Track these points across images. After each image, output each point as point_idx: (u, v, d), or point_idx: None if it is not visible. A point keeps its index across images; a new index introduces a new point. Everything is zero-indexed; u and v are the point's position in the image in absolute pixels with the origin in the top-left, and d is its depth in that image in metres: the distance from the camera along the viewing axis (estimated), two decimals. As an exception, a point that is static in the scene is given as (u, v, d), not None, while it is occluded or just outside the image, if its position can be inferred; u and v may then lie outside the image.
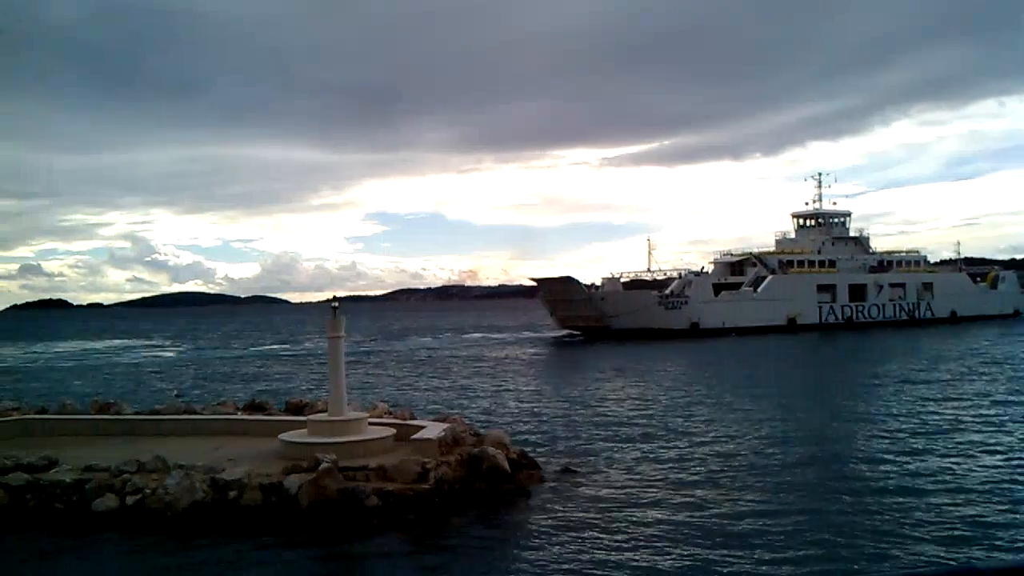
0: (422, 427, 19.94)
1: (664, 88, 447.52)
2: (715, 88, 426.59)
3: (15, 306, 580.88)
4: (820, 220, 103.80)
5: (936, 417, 28.42)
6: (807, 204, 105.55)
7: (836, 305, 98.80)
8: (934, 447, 23.28)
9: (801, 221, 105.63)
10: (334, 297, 20.50)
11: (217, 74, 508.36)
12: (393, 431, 19.78)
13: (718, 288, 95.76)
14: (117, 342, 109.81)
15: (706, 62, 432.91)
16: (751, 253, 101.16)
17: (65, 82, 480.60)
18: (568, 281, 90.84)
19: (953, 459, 21.59)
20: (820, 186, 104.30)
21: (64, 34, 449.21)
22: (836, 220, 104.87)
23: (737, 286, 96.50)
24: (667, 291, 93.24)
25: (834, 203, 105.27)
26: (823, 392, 36.93)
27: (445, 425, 20.12)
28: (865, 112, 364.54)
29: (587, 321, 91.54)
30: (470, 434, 20.18)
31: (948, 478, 19.51)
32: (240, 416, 23.53)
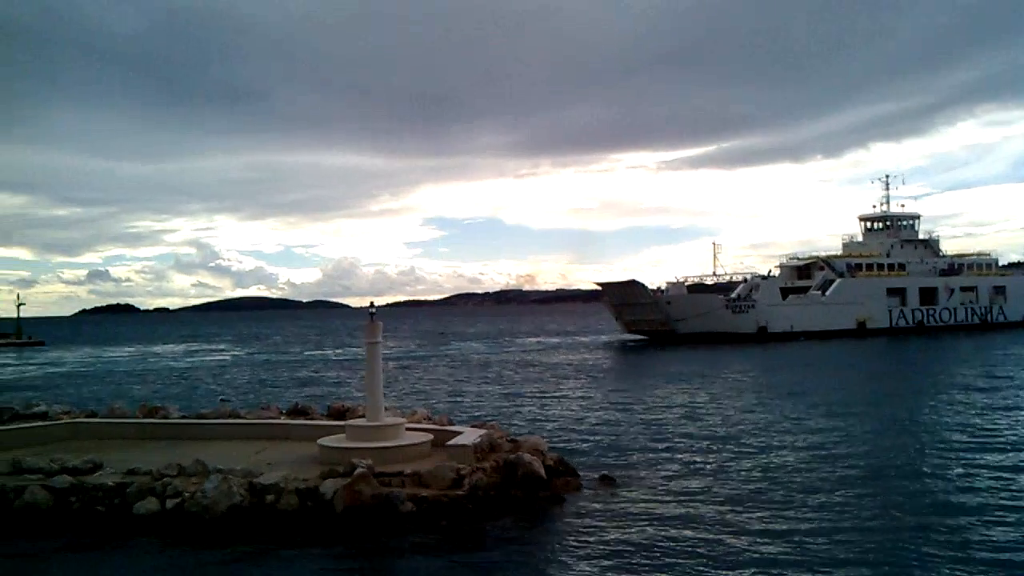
0: (459, 433, 20.13)
1: (723, 90, 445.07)
2: (775, 89, 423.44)
3: (84, 311, 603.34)
4: (888, 223, 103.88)
5: (1010, 432, 27.37)
6: (875, 207, 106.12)
7: (906, 309, 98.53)
8: (1008, 462, 22.24)
9: (869, 224, 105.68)
10: (371, 303, 20.81)
11: (279, 83, 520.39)
12: (430, 437, 20.02)
13: (785, 292, 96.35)
14: (179, 347, 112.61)
15: (766, 63, 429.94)
16: (818, 256, 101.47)
17: (133, 93, 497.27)
18: (633, 285, 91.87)
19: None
20: (888, 188, 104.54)
21: (132, 46, 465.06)
22: (905, 223, 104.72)
23: (804, 290, 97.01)
24: (732, 295, 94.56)
25: (902, 205, 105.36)
26: (890, 400, 35.86)
27: (482, 431, 20.27)
28: (929, 112, 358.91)
29: (652, 325, 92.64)
30: (506, 440, 20.29)
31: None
32: (282, 420, 24.03)
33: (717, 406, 34.66)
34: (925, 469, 21.65)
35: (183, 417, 25.13)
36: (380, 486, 17.36)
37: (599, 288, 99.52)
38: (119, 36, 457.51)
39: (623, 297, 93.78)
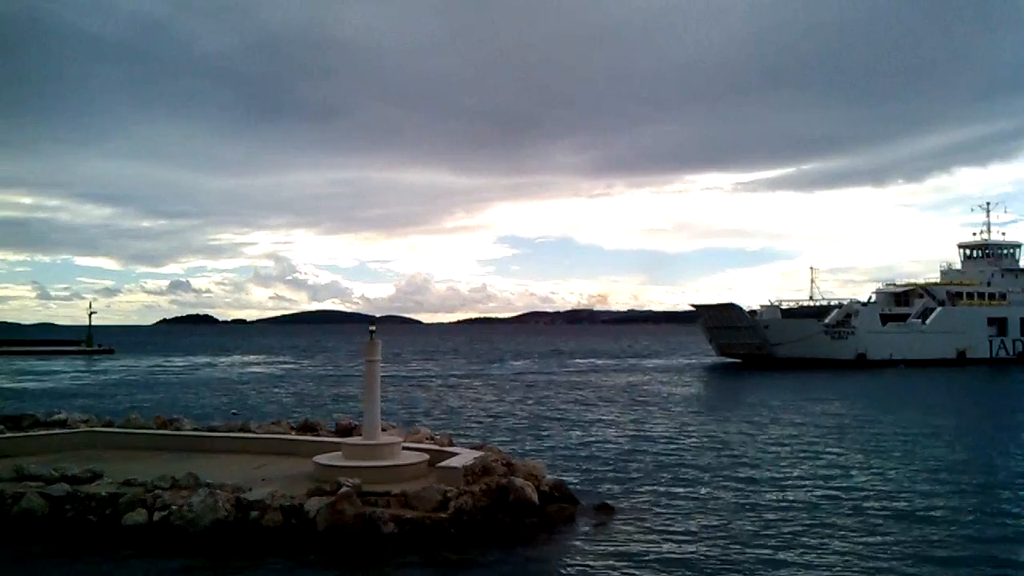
0: (455, 454, 20.57)
1: (802, 111, 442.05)
2: (856, 111, 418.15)
3: (165, 320, 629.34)
4: (989, 251, 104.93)
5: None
6: (975, 234, 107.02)
7: (1007, 339, 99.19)
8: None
9: (968, 251, 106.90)
10: (372, 322, 21.48)
11: (360, 100, 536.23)
12: (426, 457, 20.47)
13: (884, 319, 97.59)
14: (243, 358, 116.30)
15: (846, 84, 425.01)
16: (916, 284, 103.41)
17: (217, 108, 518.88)
18: (730, 308, 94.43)
19: None
20: (988, 216, 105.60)
21: (217, 63, 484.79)
22: (1006, 251, 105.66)
23: (903, 317, 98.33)
24: (827, 320, 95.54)
25: (1003, 233, 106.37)
26: (975, 434, 35.15)
27: (478, 453, 20.64)
28: (1016, 136, 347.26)
29: (748, 349, 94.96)
30: (501, 464, 20.59)
31: None
32: (290, 436, 24.86)
33: (776, 439, 34.20)
34: (966, 514, 20.95)
35: (195, 429, 26.21)
36: (363, 506, 17.86)
37: (693, 310, 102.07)
38: (208, 53, 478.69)
39: (719, 320, 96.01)
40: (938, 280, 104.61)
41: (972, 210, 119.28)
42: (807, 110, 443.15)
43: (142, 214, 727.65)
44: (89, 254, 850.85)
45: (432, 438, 23.95)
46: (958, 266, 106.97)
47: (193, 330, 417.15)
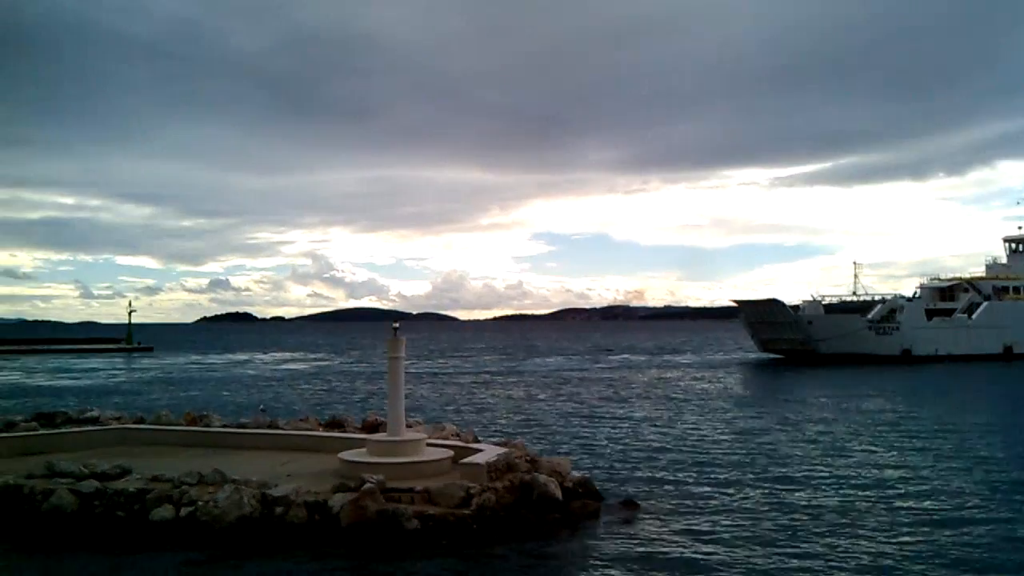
0: (480, 451, 20.66)
1: (839, 105, 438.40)
2: (895, 104, 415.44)
3: (205, 318, 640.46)
4: None
5: None
6: (1020, 228, 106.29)
7: None
8: None
9: (1013, 245, 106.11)
10: (395, 319, 21.65)
11: (395, 99, 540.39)
12: (451, 453, 20.60)
13: (929, 314, 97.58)
14: (279, 355, 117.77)
15: (885, 77, 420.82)
16: (962, 278, 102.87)
17: (253, 107, 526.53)
18: (773, 303, 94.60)
19: None
20: None
21: (252, 62, 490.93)
22: None
23: (948, 312, 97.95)
24: (870, 315, 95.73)
25: None
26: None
27: (502, 450, 20.72)
28: None
29: (792, 344, 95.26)
30: (525, 460, 20.64)
31: None
32: (317, 433, 25.13)
33: (811, 436, 33.90)
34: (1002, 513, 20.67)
35: (224, 426, 26.57)
36: (386, 502, 18.02)
37: (735, 305, 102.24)
38: (241, 52, 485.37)
39: (762, 315, 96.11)
40: (983, 274, 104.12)
41: (1019, 203, 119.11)
42: (845, 104, 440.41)
43: (182, 213, 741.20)
44: (130, 253, 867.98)
45: (457, 435, 24.07)
46: (1003, 260, 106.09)
47: (232, 328, 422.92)
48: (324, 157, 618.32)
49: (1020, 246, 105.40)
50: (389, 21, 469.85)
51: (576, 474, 21.46)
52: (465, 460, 19.54)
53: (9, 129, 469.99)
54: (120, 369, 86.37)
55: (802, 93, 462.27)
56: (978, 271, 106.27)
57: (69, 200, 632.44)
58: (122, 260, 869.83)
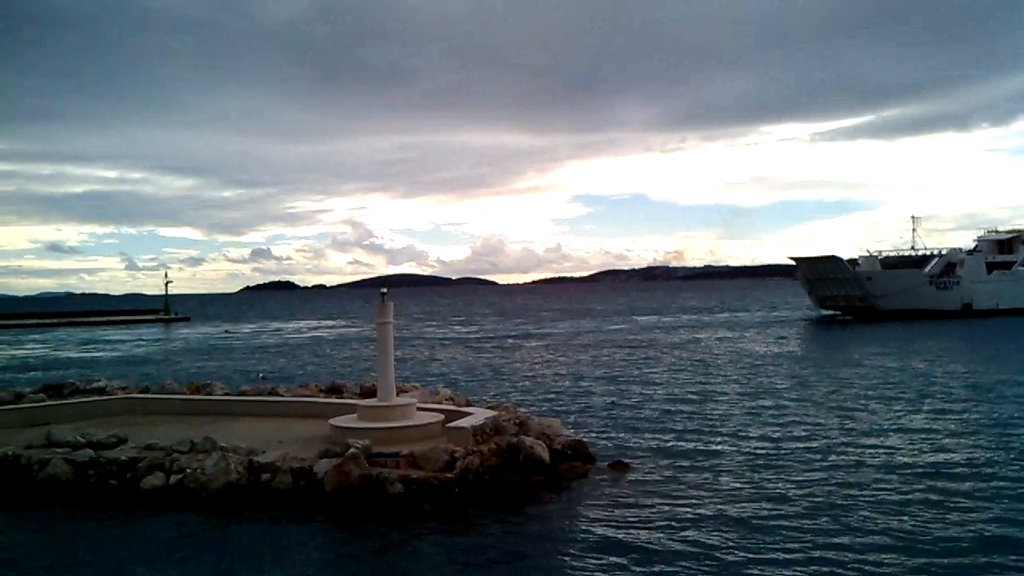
0: (469, 414, 21.11)
1: (881, 56, 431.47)
2: (937, 54, 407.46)
3: (248, 288, 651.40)
4: None
5: None
6: None
7: None
8: None
9: None
10: (383, 284, 22.07)
11: (429, 63, 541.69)
12: (441, 417, 21.06)
13: (988, 267, 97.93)
14: (312, 322, 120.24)
15: (926, 26, 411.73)
16: (1020, 230, 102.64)
17: (289, 76, 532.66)
18: (832, 260, 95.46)
19: None
20: None
21: (287, 30, 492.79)
22: None
23: (1007, 265, 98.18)
24: (927, 270, 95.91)
25: None
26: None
27: (491, 413, 21.14)
28: None
29: (850, 301, 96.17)
30: (513, 423, 21.03)
31: None
32: (314, 399, 25.77)
33: (834, 400, 33.92)
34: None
35: (226, 394, 27.37)
36: (371, 467, 18.56)
37: (793, 263, 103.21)
38: (279, 21, 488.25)
39: (819, 272, 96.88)
40: None
41: None
42: (886, 55, 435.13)
43: (222, 184, 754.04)
44: (173, 225, 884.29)
45: (451, 399, 24.54)
46: None
47: (274, 296, 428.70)
48: (361, 124, 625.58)
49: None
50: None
51: (568, 437, 21.78)
52: (451, 424, 19.99)
53: (49, 104, 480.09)
54: (149, 339, 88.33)
55: (841, 45, 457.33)
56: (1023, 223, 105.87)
57: (112, 174, 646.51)
58: (165, 232, 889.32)
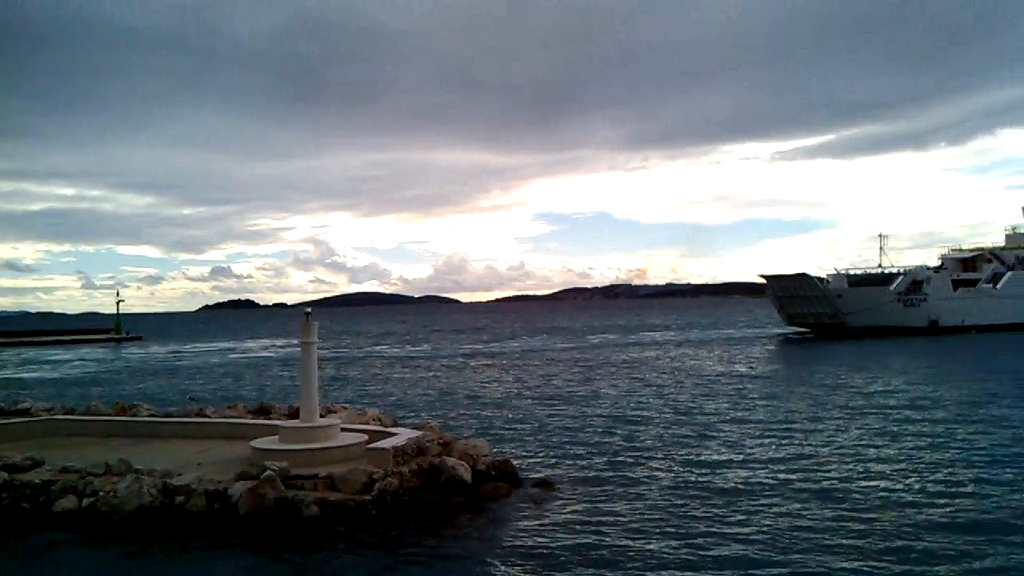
0: (394, 435, 21.21)
1: (840, 77, 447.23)
2: (896, 75, 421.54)
3: (207, 306, 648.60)
4: None
5: None
6: None
7: None
8: None
9: None
10: (307, 304, 22.19)
11: (395, 82, 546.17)
12: (364, 438, 21.10)
13: (954, 285, 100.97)
14: (264, 342, 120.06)
15: (885, 48, 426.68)
16: (984, 248, 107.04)
17: (254, 93, 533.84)
18: (802, 278, 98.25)
19: None
20: None
21: (251, 47, 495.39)
22: None
23: (972, 283, 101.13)
24: (893, 287, 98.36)
25: None
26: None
27: (416, 433, 21.25)
28: None
29: (820, 319, 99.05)
30: (437, 443, 21.16)
31: None
32: (240, 420, 25.74)
33: (778, 417, 34.34)
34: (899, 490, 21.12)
35: (151, 415, 27.25)
36: (288, 489, 18.60)
37: (762, 280, 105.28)
38: (242, 38, 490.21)
39: (790, 290, 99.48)
40: (1003, 244, 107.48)
41: None
42: (845, 76, 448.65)
43: (182, 202, 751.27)
44: (132, 243, 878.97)
45: (379, 419, 24.63)
46: (1022, 230, 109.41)
47: (234, 315, 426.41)
48: (325, 142, 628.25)
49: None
50: (389, 4, 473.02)
51: (493, 457, 21.91)
52: (372, 445, 20.09)
53: (10, 121, 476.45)
54: (92, 360, 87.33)
55: (802, 66, 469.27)
56: (981, 241, 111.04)
57: (70, 191, 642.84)
58: (123, 250, 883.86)
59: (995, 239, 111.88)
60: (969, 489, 20.49)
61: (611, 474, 22.89)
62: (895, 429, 29.60)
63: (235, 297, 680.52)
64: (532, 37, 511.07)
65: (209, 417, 26.44)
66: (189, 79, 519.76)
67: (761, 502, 19.65)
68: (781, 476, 22.37)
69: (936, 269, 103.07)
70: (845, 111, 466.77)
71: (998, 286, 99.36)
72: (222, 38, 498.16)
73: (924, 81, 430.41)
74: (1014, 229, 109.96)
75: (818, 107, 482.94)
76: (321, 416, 22.63)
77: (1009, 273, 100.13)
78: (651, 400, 40.05)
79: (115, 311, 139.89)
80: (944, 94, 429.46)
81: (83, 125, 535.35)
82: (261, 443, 21.25)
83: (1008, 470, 22.50)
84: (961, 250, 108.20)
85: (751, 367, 58.48)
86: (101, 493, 19.12)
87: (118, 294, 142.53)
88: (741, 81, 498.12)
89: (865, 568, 14.92)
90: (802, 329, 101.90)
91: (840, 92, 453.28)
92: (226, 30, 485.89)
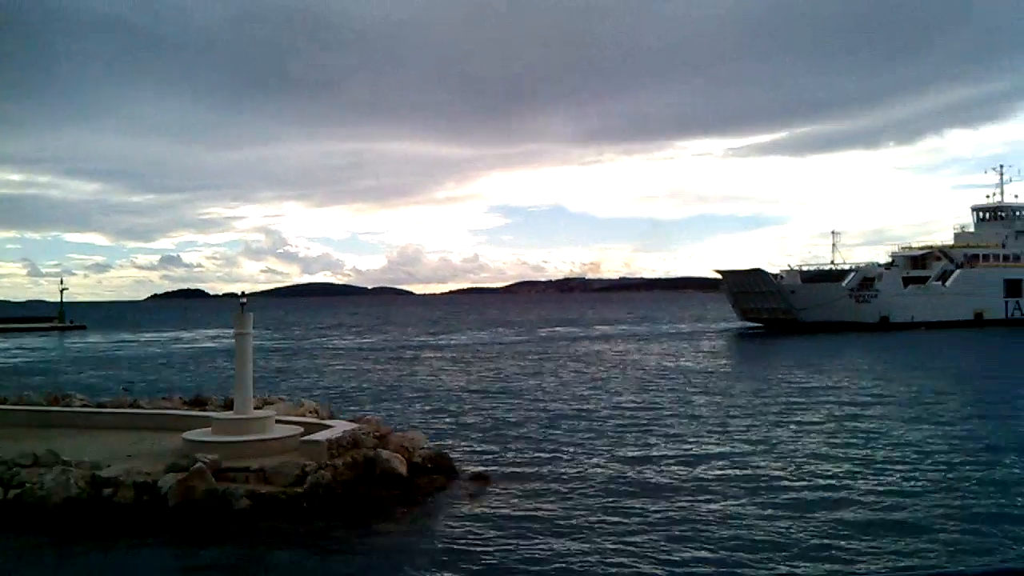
0: (329, 427, 21.20)
1: (794, 75, 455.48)
2: (848, 74, 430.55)
3: (156, 295, 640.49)
4: (1003, 213, 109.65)
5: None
6: (988, 197, 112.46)
7: (1022, 300, 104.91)
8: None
9: (982, 214, 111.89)
10: (242, 293, 22.06)
11: (350, 73, 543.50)
12: (299, 430, 21.06)
13: (905, 282, 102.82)
14: (210, 332, 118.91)
15: (838, 48, 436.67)
16: (933, 247, 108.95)
17: (207, 81, 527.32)
18: (757, 273, 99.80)
19: None
20: (1002, 178, 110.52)
21: (207, 35, 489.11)
22: (1020, 213, 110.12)
23: (921, 280, 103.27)
24: (844, 283, 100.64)
25: (1016, 196, 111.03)
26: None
27: (352, 426, 21.28)
28: (1007, 98, 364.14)
29: (774, 314, 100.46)
30: (373, 436, 21.18)
31: None
32: (174, 411, 25.55)
33: (716, 410, 34.81)
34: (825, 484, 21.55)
35: (84, 406, 26.93)
36: (219, 482, 18.53)
37: (719, 276, 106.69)
38: (199, 25, 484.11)
39: (745, 285, 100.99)
40: (952, 243, 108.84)
41: (985, 172, 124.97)
42: (799, 74, 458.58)
43: (132, 189, 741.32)
44: (79, 230, 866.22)
45: (315, 411, 24.58)
46: (971, 228, 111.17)
47: (183, 305, 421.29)
48: (280, 131, 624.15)
49: (988, 215, 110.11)
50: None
51: (430, 450, 21.98)
52: (307, 438, 20.07)
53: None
54: (32, 349, 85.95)
55: (757, 64, 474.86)
56: (928, 239, 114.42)
57: (17, 177, 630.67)
58: (71, 237, 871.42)
59: (943, 237, 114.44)
60: (900, 488, 20.89)
61: (549, 468, 22.99)
62: (833, 426, 30.00)
63: (185, 286, 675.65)
64: (492, 30, 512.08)
65: (143, 408, 26.20)
66: (141, 66, 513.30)
67: (698, 498, 19.90)
68: (718, 472, 22.65)
69: (887, 266, 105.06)
70: (798, 109, 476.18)
71: (947, 283, 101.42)
72: (177, 24, 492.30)
73: (876, 81, 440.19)
74: (963, 228, 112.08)
75: (771, 105, 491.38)
76: (257, 408, 22.58)
77: (958, 271, 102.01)
78: (596, 394, 40.21)
79: (67, 299, 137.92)
80: (895, 94, 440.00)
81: (31, 110, 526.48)
82: (193, 435, 21.10)
83: (939, 469, 22.99)
84: (911, 248, 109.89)
85: (700, 362, 58.90)
86: (28, 484, 18.90)
87: (62, 282, 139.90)
88: (695, 78, 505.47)
89: (797, 566, 15.22)
90: (755, 324, 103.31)
91: (793, 90, 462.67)
92: (181, 17, 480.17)
